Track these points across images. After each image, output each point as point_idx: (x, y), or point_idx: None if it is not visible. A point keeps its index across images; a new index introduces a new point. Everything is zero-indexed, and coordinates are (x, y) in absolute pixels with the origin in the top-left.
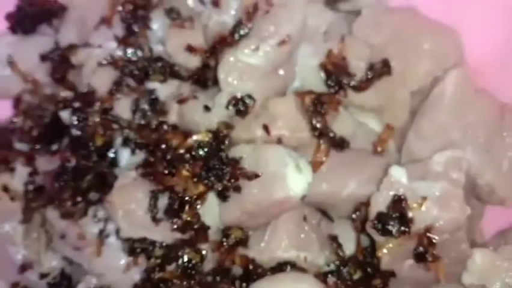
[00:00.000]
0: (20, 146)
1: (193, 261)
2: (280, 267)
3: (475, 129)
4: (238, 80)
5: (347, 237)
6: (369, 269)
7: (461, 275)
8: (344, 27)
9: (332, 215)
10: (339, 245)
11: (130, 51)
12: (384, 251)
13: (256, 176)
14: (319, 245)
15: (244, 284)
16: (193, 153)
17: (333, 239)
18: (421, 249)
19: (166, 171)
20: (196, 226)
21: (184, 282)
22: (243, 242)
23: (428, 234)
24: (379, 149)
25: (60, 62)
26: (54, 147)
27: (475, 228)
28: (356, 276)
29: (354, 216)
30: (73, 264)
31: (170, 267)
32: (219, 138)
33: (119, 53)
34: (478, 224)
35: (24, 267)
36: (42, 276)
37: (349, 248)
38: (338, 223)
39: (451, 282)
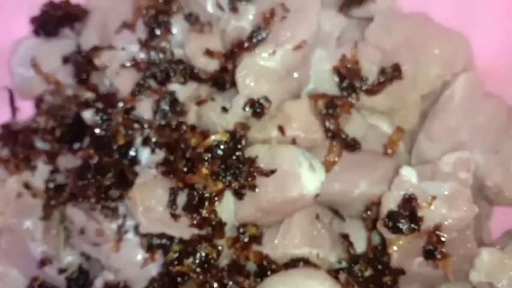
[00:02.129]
0: (41, 144)
1: (210, 256)
2: (293, 263)
3: (483, 132)
4: (255, 82)
5: (358, 236)
6: (379, 267)
7: (468, 273)
8: (357, 33)
9: (344, 214)
10: (350, 243)
11: (152, 54)
12: (395, 248)
13: (273, 172)
14: (331, 243)
15: (258, 279)
16: (212, 152)
17: (345, 237)
18: (430, 246)
19: (186, 169)
20: (213, 222)
21: (201, 276)
22: (258, 238)
23: (437, 232)
24: (389, 150)
25: (84, 63)
26: (76, 146)
27: (483, 228)
28: (367, 273)
29: (365, 215)
30: (90, 260)
31: (188, 261)
32: (236, 138)
33: (141, 55)
34: (486, 224)
35: (43, 262)
36: (61, 271)
37: (360, 246)
38: (349, 222)
39: (458, 279)
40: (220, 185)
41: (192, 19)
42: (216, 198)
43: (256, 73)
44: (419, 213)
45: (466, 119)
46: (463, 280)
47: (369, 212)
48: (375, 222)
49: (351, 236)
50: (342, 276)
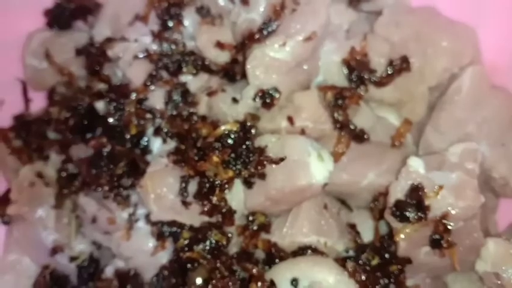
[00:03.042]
0: (53, 135)
1: (220, 243)
2: (301, 251)
3: (490, 124)
4: (265, 73)
5: (365, 226)
6: (386, 255)
7: (474, 263)
8: (366, 26)
9: (351, 204)
10: (358, 233)
11: (164, 45)
12: (402, 236)
13: (282, 159)
14: (338, 232)
15: (266, 267)
16: (222, 141)
17: (352, 227)
18: (437, 235)
19: (197, 158)
20: (223, 210)
21: (211, 263)
22: (266, 227)
23: (444, 221)
24: (397, 142)
25: (97, 55)
26: (89, 136)
27: (489, 220)
28: (374, 262)
29: (372, 205)
30: (101, 249)
31: (198, 248)
32: (246, 128)
33: (154, 47)
34: (492, 216)
35: (55, 250)
36: (72, 259)
37: (367, 236)
38: (357, 212)
39: (465, 270)
40: (230, 173)
41: (204, 11)
42: (226, 186)
43: (266, 64)
44: (426, 202)
45: (473, 111)
46: (469, 270)
47: (376, 203)
48: (382, 212)
49: (359, 225)
50: (350, 264)
